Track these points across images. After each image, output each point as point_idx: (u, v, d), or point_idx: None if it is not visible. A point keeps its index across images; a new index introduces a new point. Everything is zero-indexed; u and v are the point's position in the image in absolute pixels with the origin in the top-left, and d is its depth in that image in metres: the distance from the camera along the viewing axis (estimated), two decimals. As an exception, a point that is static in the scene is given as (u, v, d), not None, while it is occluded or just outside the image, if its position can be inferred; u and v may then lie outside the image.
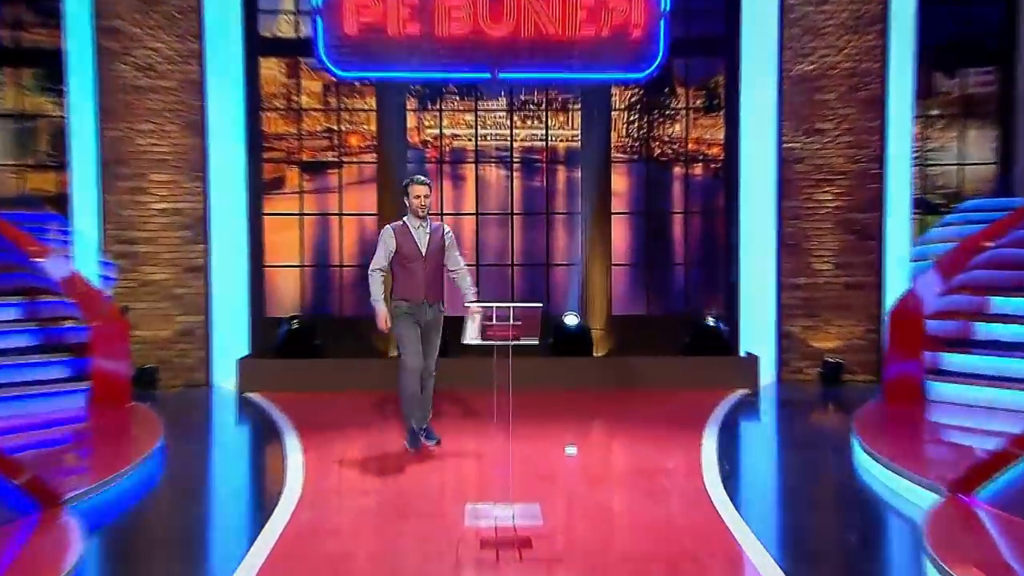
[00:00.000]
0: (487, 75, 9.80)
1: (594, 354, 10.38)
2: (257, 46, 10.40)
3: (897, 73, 9.79)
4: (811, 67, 9.97)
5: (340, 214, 10.84)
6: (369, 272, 6.42)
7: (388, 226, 6.43)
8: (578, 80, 10.04)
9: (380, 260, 6.42)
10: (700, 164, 10.92)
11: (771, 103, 10.02)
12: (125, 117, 9.69)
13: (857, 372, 10.00)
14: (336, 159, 10.83)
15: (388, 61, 9.64)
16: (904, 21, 9.75)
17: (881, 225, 9.94)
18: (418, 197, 6.34)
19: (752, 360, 9.83)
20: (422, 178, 6.43)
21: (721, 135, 10.80)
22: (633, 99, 10.98)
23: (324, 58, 9.66)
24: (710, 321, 10.25)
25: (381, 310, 6.32)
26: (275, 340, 10.10)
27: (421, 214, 6.37)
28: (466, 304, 5.84)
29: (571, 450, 7.10)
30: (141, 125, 9.72)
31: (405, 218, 6.48)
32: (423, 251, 6.35)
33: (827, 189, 10.03)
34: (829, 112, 9.96)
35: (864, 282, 9.99)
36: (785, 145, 10.00)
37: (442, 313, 6.36)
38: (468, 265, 6.77)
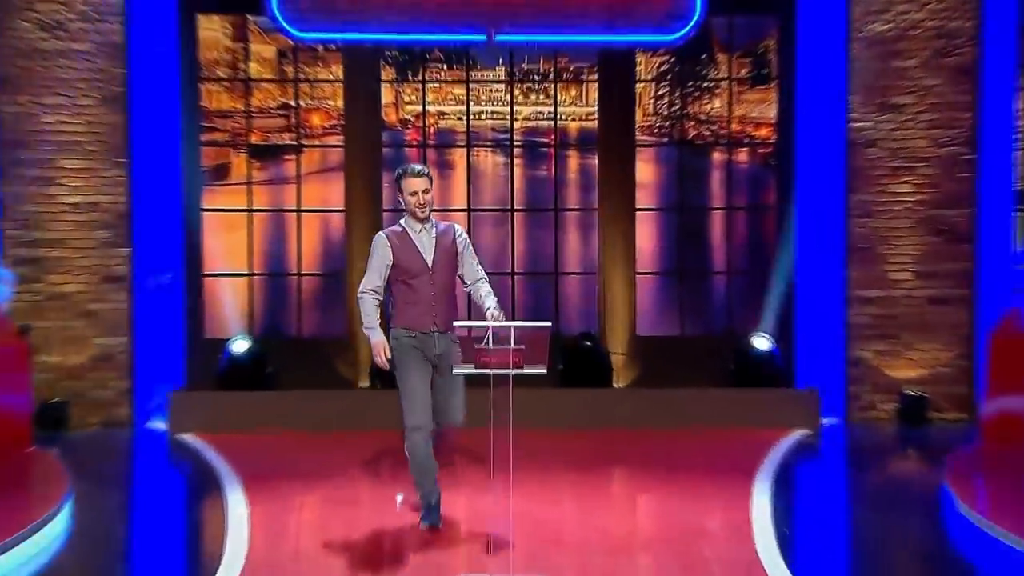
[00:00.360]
0: (482, 37, 9.70)
1: (615, 384, 10.41)
2: (196, 0, 10.34)
3: (996, 33, 9.71)
4: (886, 26, 9.90)
5: (299, 210, 10.77)
6: (358, 296, 6.23)
7: (381, 233, 6.25)
8: (595, 43, 10.01)
9: (373, 279, 6.19)
10: (746, 148, 10.87)
11: (836, 72, 9.97)
12: (27, 88, 9.62)
13: (945, 409, 9.92)
14: (294, 142, 10.76)
15: (358, 19, 9.57)
16: (1004, -33, 9.79)
17: (975, 224, 9.87)
18: (414, 194, 6.13)
19: (813, 394, 9.82)
20: (417, 168, 6.22)
21: (772, 112, 10.74)
22: (663, 68, 10.94)
23: (278, 15, 9.61)
24: (760, 344, 10.22)
25: (378, 339, 6.13)
26: (216, 368, 10.08)
27: (421, 215, 6.16)
28: (488, 314, 5.84)
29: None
30: (47, 99, 9.64)
31: (403, 221, 6.28)
32: (429, 261, 6.17)
33: (906, 179, 9.94)
34: (909, 83, 9.89)
35: (953, 296, 9.91)
36: (853, 124, 9.94)
37: (457, 343, 6.10)
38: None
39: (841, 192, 10.02)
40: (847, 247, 9.99)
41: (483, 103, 10.89)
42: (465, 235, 6.31)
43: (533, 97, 10.95)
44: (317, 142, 10.84)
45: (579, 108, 10.97)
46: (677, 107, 10.87)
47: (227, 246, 10.67)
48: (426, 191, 6.13)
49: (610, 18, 9.57)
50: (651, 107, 10.91)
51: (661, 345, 10.70)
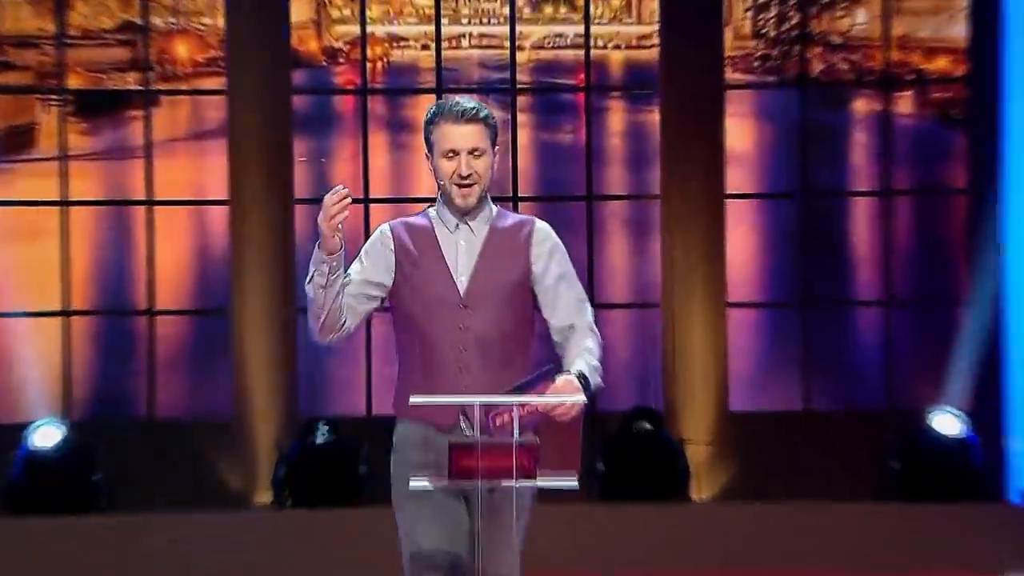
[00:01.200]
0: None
1: (693, 496, 10.27)
2: None
3: None
4: None
5: (149, 202, 10.39)
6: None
7: (387, 224, 5.41)
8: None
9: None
10: (910, 92, 10.68)
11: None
12: None
13: None
14: (140, 87, 10.47)
15: None
16: None
17: None
18: (452, 155, 5.30)
19: (1039, 511, 9.47)
20: (463, 106, 5.34)
21: (958, 31, 10.46)
22: (766, -43, 10.86)
23: None
24: (943, 427, 9.90)
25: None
26: (5, 475, 9.72)
27: (463, 199, 5.33)
28: (566, 374, 5.11)
29: None
30: None
31: (432, 209, 5.51)
32: (460, 284, 5.41)
33: None
34: None
35: None
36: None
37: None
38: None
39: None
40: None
41: (465, 20, 10.76)
42: (553, 241, 5.40)
43: (549, 10, 10.88)
44: (184, 87, 10.63)
45: (626, 27, 10.86)
46: (792, 25, 10.72)
47: (25, 264, 10.33)
48: (476, 152, 5.23)
49: None
50: (747, 24, 10.83)
51: (771, 428, 10.35)
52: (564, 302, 5.32)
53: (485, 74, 10.66)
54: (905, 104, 10.63)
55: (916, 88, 10.62)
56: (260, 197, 10.24)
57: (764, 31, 10.71)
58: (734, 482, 10.29)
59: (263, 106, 10.27)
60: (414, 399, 4.90)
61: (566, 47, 10.72)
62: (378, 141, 10.68)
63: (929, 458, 9.80)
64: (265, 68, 10.32)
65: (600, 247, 10.55)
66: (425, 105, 9.81)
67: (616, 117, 10.82)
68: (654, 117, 10.56)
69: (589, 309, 5.35)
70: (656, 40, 10.61)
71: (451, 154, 5.15)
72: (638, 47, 10.72)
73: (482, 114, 5.20)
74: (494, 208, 5.31)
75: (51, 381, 10.25)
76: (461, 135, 5.19)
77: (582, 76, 10.66)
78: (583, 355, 5.25)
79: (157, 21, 10.47)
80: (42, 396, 10.17)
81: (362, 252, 5.38)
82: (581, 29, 10.61)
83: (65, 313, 10.27)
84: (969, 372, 10.13)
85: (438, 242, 5.28)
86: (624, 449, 9.93)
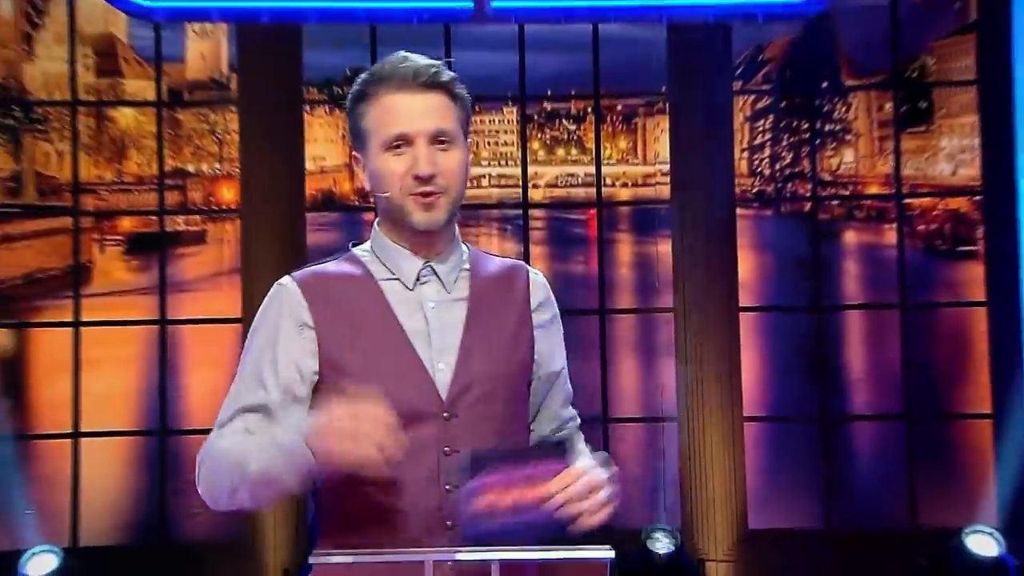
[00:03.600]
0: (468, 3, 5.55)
1: None
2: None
3: None
4: None
5: (163, 322, 6.45)
6: (199, 458, 1.95)
7: (289, 279, 1.96)
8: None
9: (241, 403, 1.92)
10: (917, 216, 6.80)
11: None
12: None
13: None
14: (159, 222, 6.69)
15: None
16: None
17: None
18: (400, 144, 1.88)
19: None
20: (415, 61, 1.87)
21: (943, 167, 6.63)
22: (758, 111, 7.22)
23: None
24: (976, 546, 5.74)
25: (310, 424, 1.77)
26: None
27: (426, 215, 1.90)
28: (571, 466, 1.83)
29: None
30: None
31: (362, 248, 1.99)
32: (441, 377, 1.90)
33: None
34: None
35: None
36: None
37: None
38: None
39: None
40: None
41: (485, 162, 7.10)
42: (553, 303, 2.10)
43: (561, 151, 7.26)
44: (229, 227, 6.69)
45: (633, 167, 7.19)
46: (787, 162, 6.98)
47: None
48: (443, 139, 1.79)
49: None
50: (744, 164, 7.10)
51: (793, 547, 6.27)
52: (555, 395, 2.11)
53: (500, 210, 7.03)
54: (916, 229, 6.54)
55: (917, 216, 6.53)
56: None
57: (759, 170, 7.02)
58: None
59: (277, 235, 6.19)
60: (319, 557, 1.66)
61: (577, 183, 7.15)
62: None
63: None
64: (274, 206, 6.28)
65: (613, 360, 6.44)
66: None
67: (624, 250, 7.08)
68: (658, 247, 6.73)
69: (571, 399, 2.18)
70: (663, 177, 6.93)
71: (398, 144, 1.87)
72: (644, 185, 7.18)
73: (445, 77, 1.86)
74: (465, 245, 1.98)
75: (57, 506, 6.00)
76: (415, 110, 1.84)
77: (593, 212, 6.99)
78: (579, 446, 2.02)
79: (204, 167, 6.74)
80: (46, 521, 5.84)
81: (254, 336, 1.96)
82: (590, 167, 7.01)
83: (75, 435, 5.99)
84: (1005, 488, 5.89)
85: (390, 307, 1.88)
86: (640, 569, 5.96)
